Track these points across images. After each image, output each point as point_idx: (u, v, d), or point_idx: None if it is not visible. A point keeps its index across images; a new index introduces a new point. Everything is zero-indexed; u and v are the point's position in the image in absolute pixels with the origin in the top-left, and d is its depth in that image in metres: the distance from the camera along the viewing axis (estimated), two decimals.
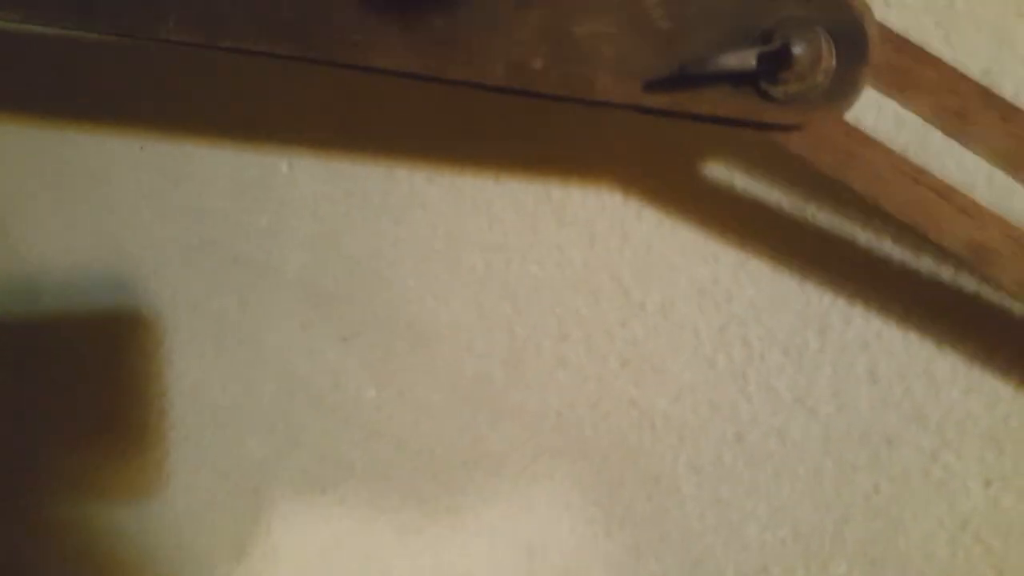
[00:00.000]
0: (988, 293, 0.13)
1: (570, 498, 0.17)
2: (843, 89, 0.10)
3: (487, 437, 0.18)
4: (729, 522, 0.16)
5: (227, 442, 0.21)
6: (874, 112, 0.12)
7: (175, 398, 0.21)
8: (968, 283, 0.13)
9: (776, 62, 0.10)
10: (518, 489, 0.17)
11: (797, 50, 0.10)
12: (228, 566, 0.21)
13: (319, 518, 0.20)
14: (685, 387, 0.16)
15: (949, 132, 0.11)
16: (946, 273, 0.14)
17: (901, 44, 0.10)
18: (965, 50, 0.13)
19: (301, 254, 0.19)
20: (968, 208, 0.11)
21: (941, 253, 0.12)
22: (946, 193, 0.11)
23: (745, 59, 0.10)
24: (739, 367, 0.15)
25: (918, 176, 0.11)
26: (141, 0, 0.13)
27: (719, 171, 0.15)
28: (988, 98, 0.10)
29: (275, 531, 0.21)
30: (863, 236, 0.14)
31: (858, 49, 0.10)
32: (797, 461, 0.15)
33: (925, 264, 0.14)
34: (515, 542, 0.18)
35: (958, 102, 0.10)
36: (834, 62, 0.10)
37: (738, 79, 0.10)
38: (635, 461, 0.16)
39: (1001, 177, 0.11)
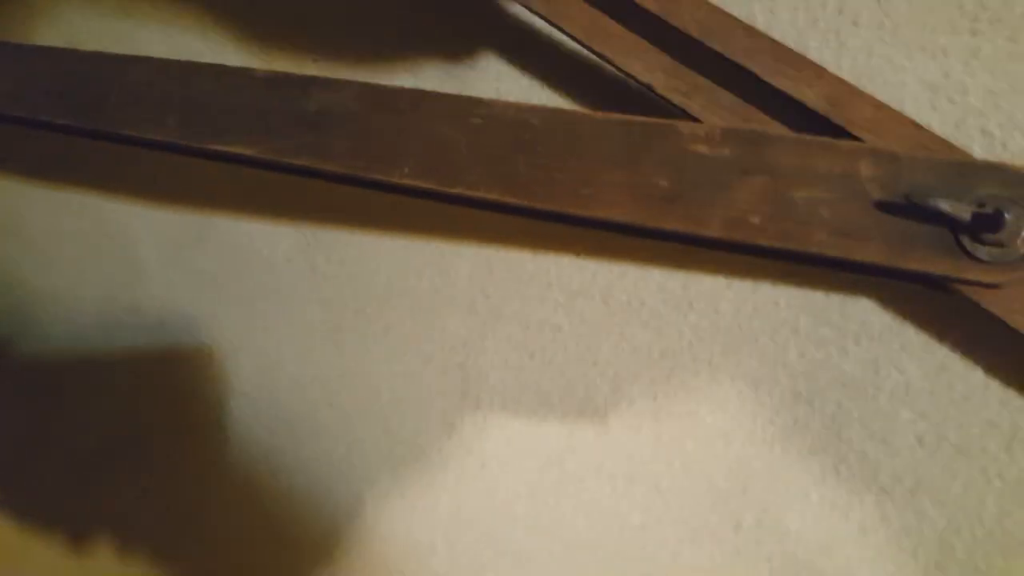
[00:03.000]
0: None
1: None
2: None
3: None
4: None
5: (429, 326, 0.21)
6: None
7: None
8: None
9: (987, 223, 0.12)
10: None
11: (1008, 216, 0.12)
12: (439, 442, 0.21)
13: (526, 384, 0.20)
14: None
15: None
16: None
17: None
18: None
19: None
20: None
21: None
22: None
23: (962, 210, 0.12)
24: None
25: None
26: (379, 147, 0.14)
27: None
28: None
29: (483, 403, 0.20)
30: None
31: None
32: None
33: None
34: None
35: None
36: None
37: (944, 239, 0.12)
38: None
39: None
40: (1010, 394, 0.14)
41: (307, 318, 0.23)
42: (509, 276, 0.19)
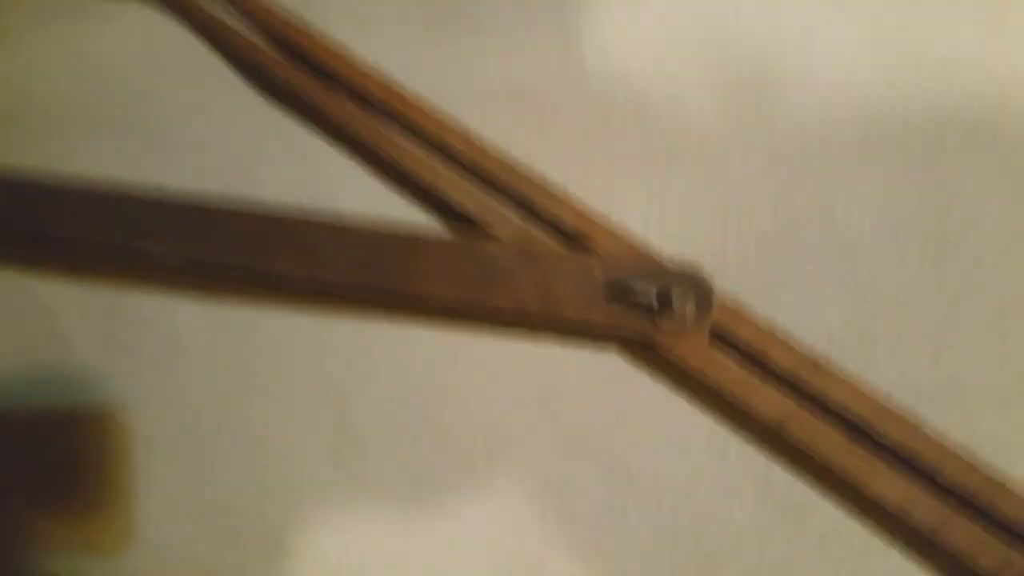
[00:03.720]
0: None
1: None
2: (699, 323, 0.19)
3: None
4: None
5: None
6: None
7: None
8: None
9: (664, 302, 0.18)
10: None
11: (676, 303, 0.18)
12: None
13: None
14: None
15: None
16: None
17: (729, 310, 0.19)
18: None
19: None
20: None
21: None
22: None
23: (651, 297, 0.18)
24: None
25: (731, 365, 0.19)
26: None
27: None
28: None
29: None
30: None
31: (708, 303, 0.18)
32: None
33: None
34: None
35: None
36: (693, 307, 0.18)
37: (647, 313, 0.19)
38: None
39: None
40: None
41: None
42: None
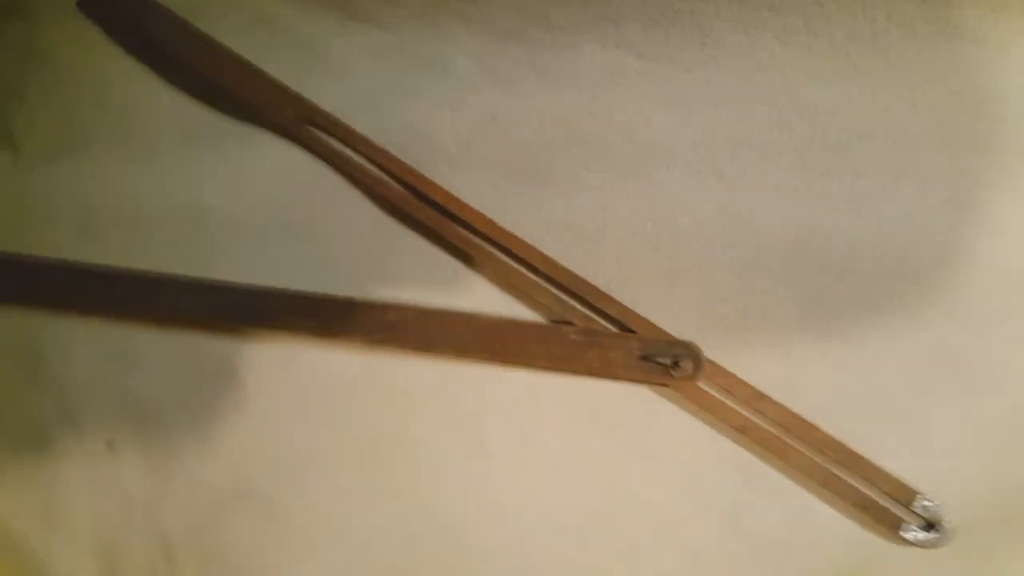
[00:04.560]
0: None
1: None
2: (695, 375, 0.32)
3: None
4: None
5: None
6: None
7: None
8: None
9: (676, 360, 0.32)
10: None
11: (683, 362, 0.32)
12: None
13: None
14: None
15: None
16: None
17: (713, 367, 0.33)
18: None
19: None
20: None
21: None
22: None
23: (667, 359, 0.32)
24: None
25: (714, 396, 0.33)
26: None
27: None
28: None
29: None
30: None
31: (698, 362, 0.32)
32: None
33: None
34: None
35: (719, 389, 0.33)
36: (692, 366, 0.32)
37: (665, 370, 0.32)
38: None
39: None
40: None
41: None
42: None
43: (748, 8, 0.29)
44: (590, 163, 0.32)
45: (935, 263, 0.26)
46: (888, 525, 0.29)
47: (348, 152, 0.36)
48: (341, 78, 0.36)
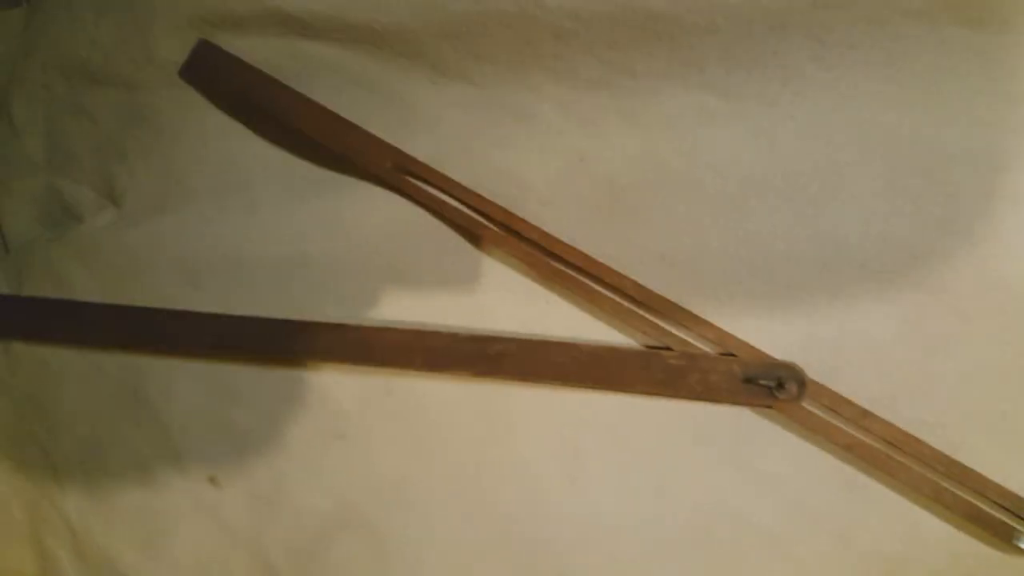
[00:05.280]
0: None
1: None
2: (800, 395, 0.33)
3: None
4: None
5: None
6: None
7: None
8: None
9: (780, 384, 0.33)
10: None
11: (784, 381, 0.33)
12: None
13: None
14: None
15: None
16: None
17: (817, 387, 0.34)
18: None
19: None
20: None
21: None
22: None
23: (771, 382, 0.33)
24: None
25: (819, 415, 0.34)
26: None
27: None
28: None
29: None
30: None
31: (802, 382, 0.33)
32: None
33: None
34: None
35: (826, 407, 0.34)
36: (796, 387, 0.33)
37: (770, 392, 0.33)
38: None
39: None
40: None
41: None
42: None
43: (828, 47, 0.30)
44: (679, 197, 0.34)
45: None
46: (1001, 536, 0.30)
47: (443, 196, 0.38)
48: (433, 130, 0.38)
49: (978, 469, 0.30)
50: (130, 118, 0.47)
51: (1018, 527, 0.30)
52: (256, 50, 0.42)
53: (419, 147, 0.38)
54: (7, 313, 0.47)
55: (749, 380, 0.33)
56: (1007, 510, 0.30)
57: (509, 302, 0.35)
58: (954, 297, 0.31)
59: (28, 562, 0.44)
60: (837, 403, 0.32)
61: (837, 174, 0.32)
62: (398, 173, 0.38)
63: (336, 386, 0.37)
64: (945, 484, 0.31)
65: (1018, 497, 0.30)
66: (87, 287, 0.46)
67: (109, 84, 0.47)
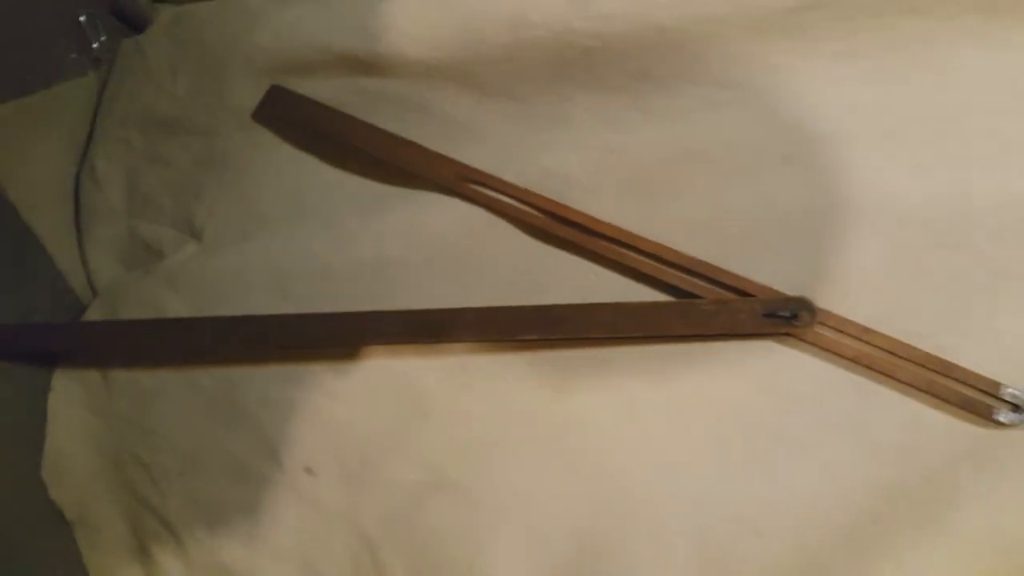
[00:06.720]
0: None
1: None
2: (812, 321, 0.41)
3: None
4: None
5: None
6: None
7: None
8: None
9: (796, 314, 0.40)
10: None
11: (800, 310, 0.40)
12: None
13: None
14: None
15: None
16: None
17: (825, 313, 0.42)
18: None
19: None
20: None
21: None
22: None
23: (786, 313, 0.41)
24: None
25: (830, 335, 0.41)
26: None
27: None
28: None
29: None
30: None
31: (812, 311, 0.41)
32: None
33: None
34: None
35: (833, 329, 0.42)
36: (808, 316, 0.41)
37: (786, 322, 0.41)
38: None
39: None
40: None
41: None
42: None
43: (803, 42, 0.39)
44: (698, 171, 0.42)
45: None
46: (984, 415, 0.37)
47: (499, 196, 0.45)
48: (484, 142, 0.46)
49: (960, 363, 0.38)
50: (205, 160, 0.54)
51: (995, 405, 0.38)
52: (323, 90, 0.49)
53: (474, 157, 0.46)
54: (104, 339, 0.52)
55: (769, 315, 0.41)
56: (986, 392, 0.38)
57: (561, 277, 0.42)
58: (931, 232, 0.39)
59: (138, 574, 0.47)
60: (843, 324, 0.40)
61: (829, 141, 0.40)
62: (460, 181, 0.46)
63: (417, 370, 0.42)
64: (936, 378, 0.39)
65: (993, 381, 0.38)
66: (179, 311, 0.51)
67: (184, 132, 0.54)
